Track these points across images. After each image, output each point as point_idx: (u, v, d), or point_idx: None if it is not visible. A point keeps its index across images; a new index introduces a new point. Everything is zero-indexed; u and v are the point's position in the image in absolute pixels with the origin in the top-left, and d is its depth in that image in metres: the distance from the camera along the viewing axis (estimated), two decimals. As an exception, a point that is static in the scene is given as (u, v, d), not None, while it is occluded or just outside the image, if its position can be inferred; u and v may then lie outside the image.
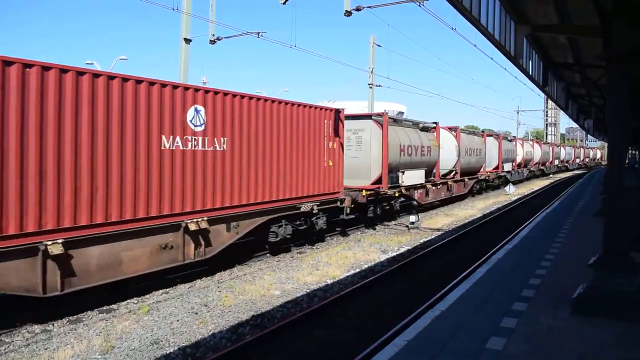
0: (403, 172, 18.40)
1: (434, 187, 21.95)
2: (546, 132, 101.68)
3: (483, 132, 29.84)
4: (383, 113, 17.36)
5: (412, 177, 19.15)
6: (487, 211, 23.21)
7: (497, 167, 33.13)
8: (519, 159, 40.56)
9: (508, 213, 22.54)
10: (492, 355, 5.20)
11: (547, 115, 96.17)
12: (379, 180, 17.05)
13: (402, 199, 19.35)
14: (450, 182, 24.17)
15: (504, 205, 25.52)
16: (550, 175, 54.53)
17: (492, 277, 8.45)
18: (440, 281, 10.05)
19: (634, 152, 34.19)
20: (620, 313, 6.12)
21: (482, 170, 29.84)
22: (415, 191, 19.99)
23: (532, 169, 46.30)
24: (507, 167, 36.01)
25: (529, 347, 5.41)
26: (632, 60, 6.32)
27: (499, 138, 33.84)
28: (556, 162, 58.51)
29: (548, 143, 61.01)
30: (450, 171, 24.77)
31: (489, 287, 7.84)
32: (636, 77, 6.64)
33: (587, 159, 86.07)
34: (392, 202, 18.68)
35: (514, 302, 6.95)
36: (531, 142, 48.40)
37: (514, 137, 41.36)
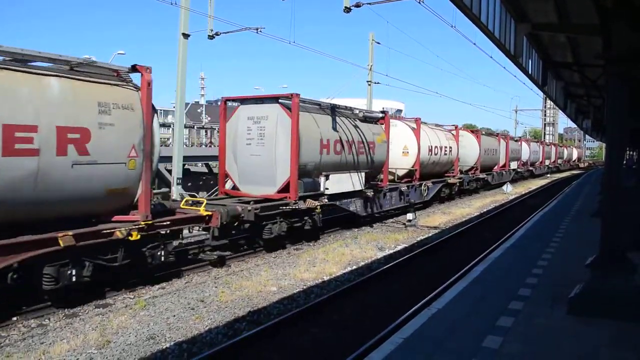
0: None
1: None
2: (544, 132, 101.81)
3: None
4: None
5: None
6: (485, 210, 23.26)
7: (285, 188, 12.75)
8: (410, 161, 20.07)
9: (505, 212, 22.59)
10: (489, 354, 5.21)
11: (545, 115, 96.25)
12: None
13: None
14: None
15: (501, 205, 25.56)
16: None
17: (489, 276, 8.46)
18: (437, 279, 10.05)
19: (631, 152, 34.26)
20: (616, 313, 6.13)
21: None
22: None
23: (452, 180, 24.50)
24: (343, 184, 14.64)
25: (525, 347, 5.43)
26: (631, 61, 6.32)
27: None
28: (514, 165, 37.71)
29: (497, 135, 36.55)
30: None
31: (485, 285, 7.85)
32: (635, 77, 6.63)
33: (559, 160, 64.35)
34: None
35: (511, 301, 6.97)
36: (454, 133, 25.56)
37: (400, 112, 19.12)
